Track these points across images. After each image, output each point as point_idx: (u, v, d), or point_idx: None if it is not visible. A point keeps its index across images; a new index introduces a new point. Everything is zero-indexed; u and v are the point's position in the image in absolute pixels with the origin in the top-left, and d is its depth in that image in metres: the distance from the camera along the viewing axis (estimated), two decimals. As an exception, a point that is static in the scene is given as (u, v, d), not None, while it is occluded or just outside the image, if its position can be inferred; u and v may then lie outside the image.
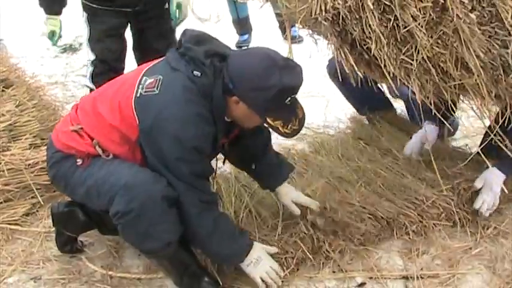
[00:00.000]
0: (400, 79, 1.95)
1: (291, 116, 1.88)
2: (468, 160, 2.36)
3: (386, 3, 1.77)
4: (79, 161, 1.93)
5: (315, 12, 1.84)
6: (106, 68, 2.80)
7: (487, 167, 2.28)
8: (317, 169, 2.59)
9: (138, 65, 2.66)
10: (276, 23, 4.73)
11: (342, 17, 1.83)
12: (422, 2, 1.75)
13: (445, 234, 2.29)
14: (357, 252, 2.20)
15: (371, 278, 2.10)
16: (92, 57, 2.81)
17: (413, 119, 2.86)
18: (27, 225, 2.45)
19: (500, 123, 2.09)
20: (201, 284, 2.00)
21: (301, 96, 1.91)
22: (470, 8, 1.73)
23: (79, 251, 2.26)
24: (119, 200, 1.82)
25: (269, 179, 2.22)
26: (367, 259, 2.18)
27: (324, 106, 3.45)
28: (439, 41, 1.82)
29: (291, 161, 2.57)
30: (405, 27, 1.79)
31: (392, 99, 3.15)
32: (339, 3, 1.80)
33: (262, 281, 1.98)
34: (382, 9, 1.79)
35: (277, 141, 2.68)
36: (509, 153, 2.13)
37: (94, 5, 2.74)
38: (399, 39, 1.84)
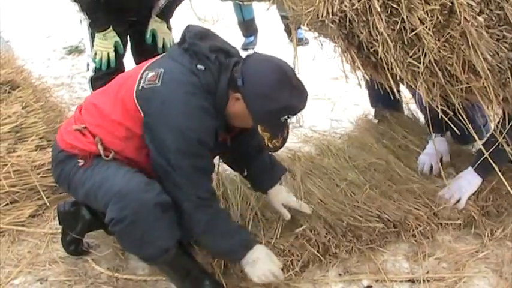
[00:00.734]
0: (407, 82, 1.95)
1: (279, 133, 1.91)
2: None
3: (394, 6, 1.77)
4: (80, 162, 1.92)
5: (322, 15, 1.84)
6: (105, 72, 2.78)
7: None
8: (324, 171, 2.58)
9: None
10: (281, 26, 4.74)
11: (349, 19, 1.82)
12: (429, 4, 1.74)
13: (452, 237, 2.29)
14: (363, 254, 2.19)
15: (377, 280, 2.09)
16: (93, 64, 2.77)
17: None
18: (33, 226, 2.45)
19: (507, 128, 2.08)
20: None
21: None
22: (478, 11, 1.73)
23: (85, 252, 2.27)
24: (112, 207, 1.81)
25: (261, 181, 2.19)
26: (374, 262, 2.17)
27: (330, 109, 3.45)
28: (447, 44, 1.81)
29: (298, 164, 2.56)
30: (412, 30, 1.78)
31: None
32: (345, 6, 1.80)
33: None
34: (389, 12, 1.79)
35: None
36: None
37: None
38: (406, 42, 1.84)
